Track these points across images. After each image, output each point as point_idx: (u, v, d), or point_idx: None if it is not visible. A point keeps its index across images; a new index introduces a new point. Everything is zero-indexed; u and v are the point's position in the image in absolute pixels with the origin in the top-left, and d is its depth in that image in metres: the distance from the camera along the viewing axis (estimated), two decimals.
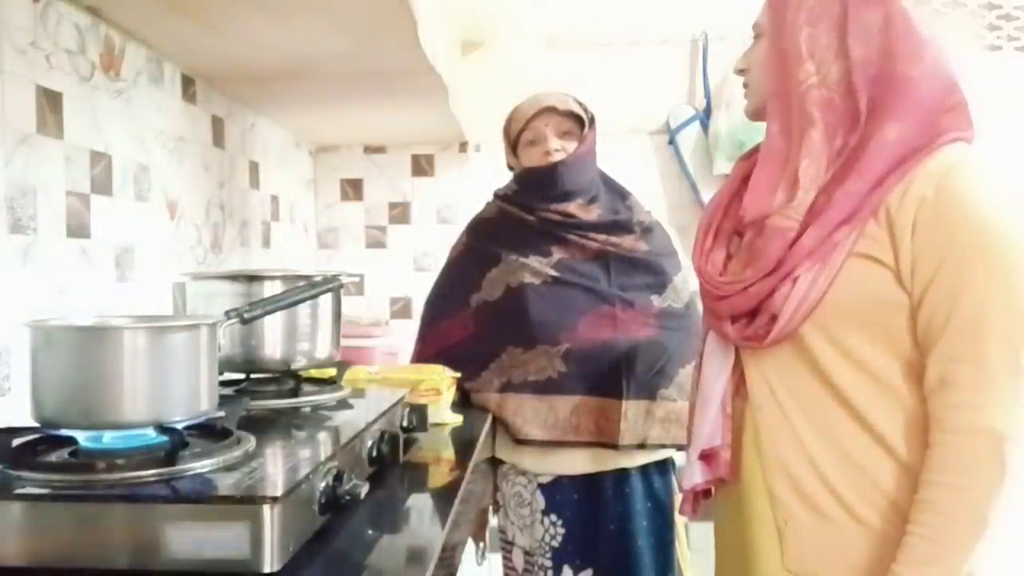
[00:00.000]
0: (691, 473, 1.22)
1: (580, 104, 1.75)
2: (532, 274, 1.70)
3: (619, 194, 1.82)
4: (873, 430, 1.06)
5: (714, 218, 1.23)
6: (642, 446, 1.63)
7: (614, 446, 1.61)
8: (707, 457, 1.20)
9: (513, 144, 1.77)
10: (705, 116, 2.68)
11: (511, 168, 1.84)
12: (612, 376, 1.64)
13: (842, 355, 1.07)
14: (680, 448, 1.64)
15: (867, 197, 1.04)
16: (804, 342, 1.08)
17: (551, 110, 1.71)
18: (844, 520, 1.07)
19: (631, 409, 1.62)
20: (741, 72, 1.23)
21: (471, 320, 1.75)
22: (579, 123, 1.73)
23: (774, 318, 1.08)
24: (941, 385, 1.00)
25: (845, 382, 1.07)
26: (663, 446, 1.65)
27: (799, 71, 1.11)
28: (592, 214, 1.75)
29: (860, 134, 1.07)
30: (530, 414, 1.65)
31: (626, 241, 1.74)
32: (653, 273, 1.75)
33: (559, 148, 1.71)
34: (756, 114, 1.22)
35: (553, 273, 1.70)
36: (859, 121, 1.07)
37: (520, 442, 1.66)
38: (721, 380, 1.19)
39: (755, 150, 1.24)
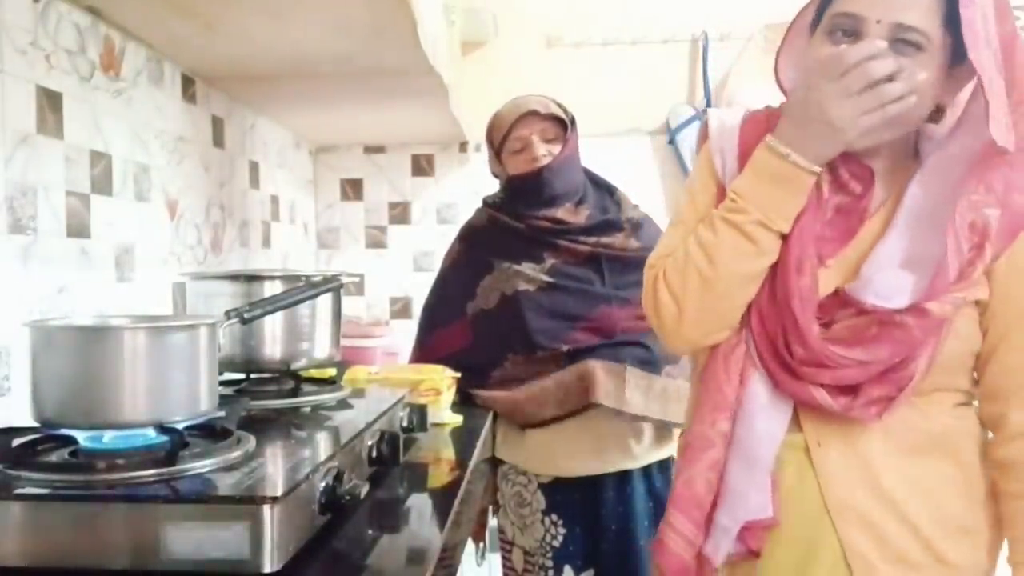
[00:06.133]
0: (716, 543, 1.04)
1: (560, 107, 1.73)
2: (526, 281, 1.70)
3: (606, 190, 1.82)
4: (967, 469, 1.02)
5: (805, 252, 1.02)
6: (646, 419, 1.62)
7: (618, 412, 1.60)
8: (747, 529, 1.03)
9: (497, 151, 1.76)
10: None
11: (495, 175, 1.83)
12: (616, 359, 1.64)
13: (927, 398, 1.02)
14: (675, 425, 1.63)
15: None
16: None
17: (533, 114, 1.70)
18: (934, 567, 1.00)
19: (633, 377, 1.62)
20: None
21: (469, 328, 1.75)
22: (561, 126, 1.72)
23: (899, 390, 0.98)
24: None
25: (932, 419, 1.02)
26: (663, 422, 1.64)
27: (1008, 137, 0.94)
28: (581, 216, 1.74)
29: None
30: (540, 395, 1.65)
31: (617, 240, 1.74)
32: None
33: (545, 154, 1.70)
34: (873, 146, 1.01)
35: (547, 279, 1.70)
36: None
37: (531, 427, 1.66)
38: (774, 442, 1.03)
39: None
